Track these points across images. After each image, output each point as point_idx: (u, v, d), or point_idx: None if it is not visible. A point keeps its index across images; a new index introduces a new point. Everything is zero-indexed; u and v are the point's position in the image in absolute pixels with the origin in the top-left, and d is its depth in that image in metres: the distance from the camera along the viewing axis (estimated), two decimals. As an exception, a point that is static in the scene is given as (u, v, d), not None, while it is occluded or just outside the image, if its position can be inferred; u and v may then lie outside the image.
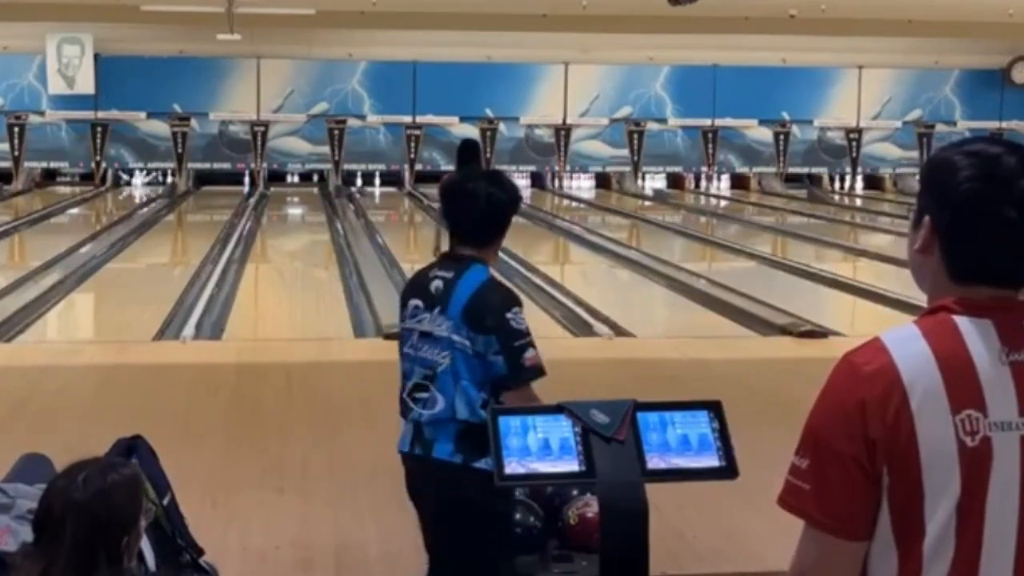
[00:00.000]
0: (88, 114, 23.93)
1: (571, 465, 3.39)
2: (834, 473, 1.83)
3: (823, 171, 26.31)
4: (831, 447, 1.83)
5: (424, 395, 3.72)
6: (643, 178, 25.91)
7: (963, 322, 1.85)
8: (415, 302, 3.81)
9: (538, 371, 3.69)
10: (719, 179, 26.31)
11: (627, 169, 25.62)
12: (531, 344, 3.69)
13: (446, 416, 3.66)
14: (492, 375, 3.66)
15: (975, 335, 1.84)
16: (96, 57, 23.48)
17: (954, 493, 1.79)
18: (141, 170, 24.67)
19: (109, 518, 2.60)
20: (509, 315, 3.69)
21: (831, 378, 1.89)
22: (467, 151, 9.97)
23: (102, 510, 2.59)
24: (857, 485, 1.82)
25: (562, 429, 3.44)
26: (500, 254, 4.16)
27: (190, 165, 24.51)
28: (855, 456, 1.81)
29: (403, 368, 3.83)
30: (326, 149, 24.61)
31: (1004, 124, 26.16)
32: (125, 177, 24.79)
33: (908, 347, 1.84)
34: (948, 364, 1.82)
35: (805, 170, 26.14)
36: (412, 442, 3.76)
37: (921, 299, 1.95)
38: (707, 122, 25.40)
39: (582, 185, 26.00)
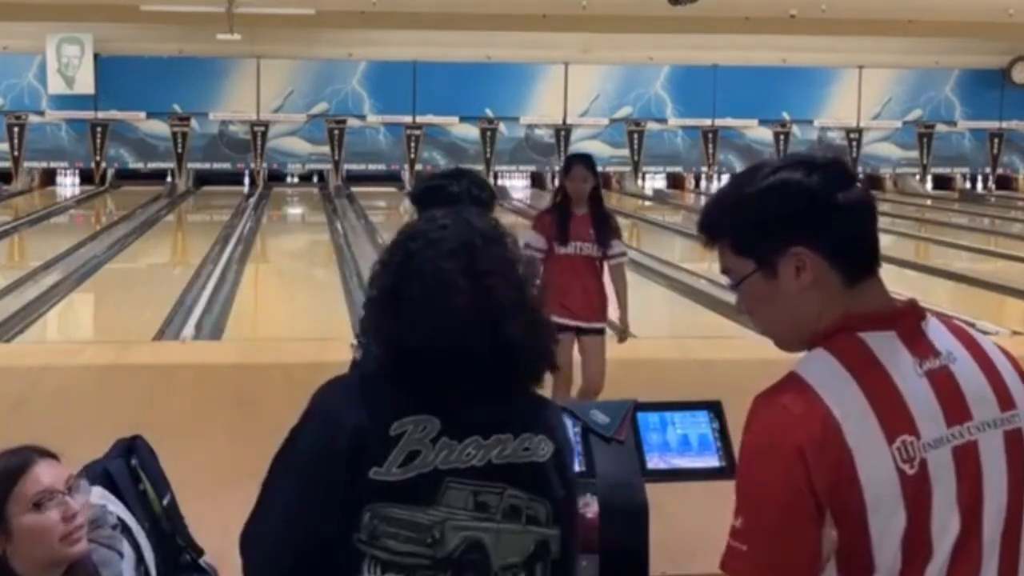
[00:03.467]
0: (88, 114, 23.94)
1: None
2: (774, 530, 1.70)
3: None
4: (768, 501, 1.70)
5: None
6: (643, 178, 25.91)
7: (870, 339, 1.77)
8: None
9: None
10: (719, 179, 26.29)
11: (627, 169, 25.62)
12: None
13: None
14: None
15: (887, 351, 1.76)
16: (96, 57, 23.48)
17: (900, 528, 1.70)
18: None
19: None
20: None
21: (756, 425, 1.75)
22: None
23: None
24: (802, 537, 1.69)
25: (562, 429, 3.43)
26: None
27: (190, 165, 24.52)
28: (799, 507, 1.69)
29: None
30: (326, 149, 24.61)
31: (1004, 124, 26.16)
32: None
33: (830, 379, 1.74)
34: (872, 389, 1.72)
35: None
36: None
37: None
38: (707, 122, 25.41)
39: (582, 185, 25.97)
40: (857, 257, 1.82)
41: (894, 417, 1.72)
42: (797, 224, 1.80)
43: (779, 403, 1.73)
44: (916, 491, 1.71)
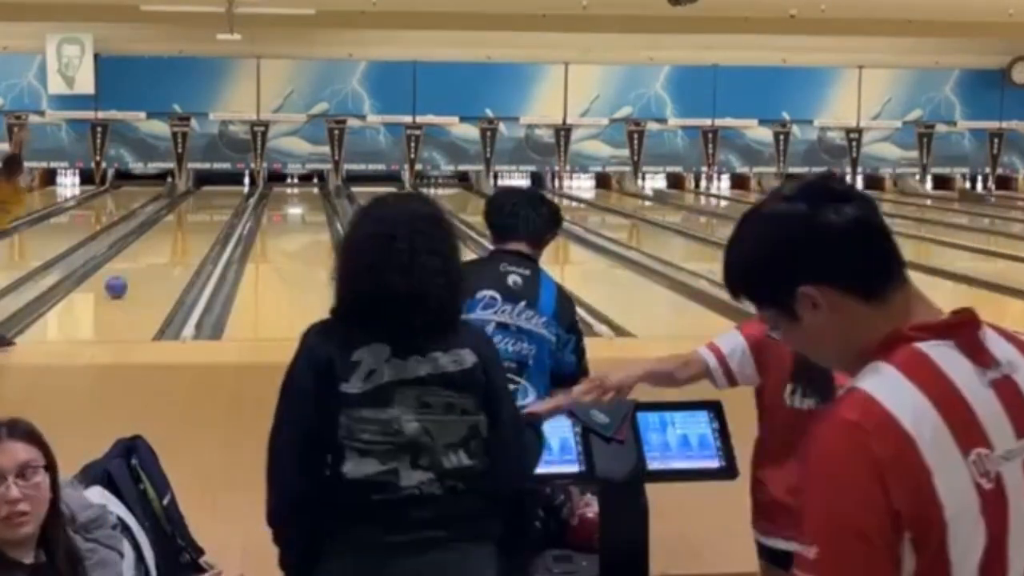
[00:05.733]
0: (88, 114, 23.92)
1: (571, 465, 3.40)
2: (853, 559, 1.57)
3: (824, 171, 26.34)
4: (847, 527, 1.57)
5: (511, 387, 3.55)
6: (643, 178, 25.90)
7: (929, 349, 1.66)
8: (488, 293, 3.88)
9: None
10: (719, 179, 26.30)
11: (627, 169, 25.62)
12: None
13: None
14: (561, 370, 3.89)
15: (949, 361, 1.65)
16: (96, 57, 23.47)
17: (979, 549, 1.60)
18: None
19: None
20: (577, 318, 4.21)
21: (825, 446, 1.61)
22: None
23: None
24: (881, 566, 1.57)
25: (562, 429, 3.44)
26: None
27: (190, 165, 24.51)
28: (879, 532, 1.56)
29: None
30: (326, 149, 24.61)
31: (1004, 124, 26.16)
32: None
33: (896, 391, 1.62)
34: (942, 401, 1.62)
35: (805, 169, 26.12)
36: None
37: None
38: (707, 122, 25.40)
39: (582, 185, 25.99)
40: (868, 276, 1.73)
41: (966, 428, 1.62)
42: (792, 264, 1.71)
43: (847, 421, 1.60)
44: (995, 508, 1.61)
